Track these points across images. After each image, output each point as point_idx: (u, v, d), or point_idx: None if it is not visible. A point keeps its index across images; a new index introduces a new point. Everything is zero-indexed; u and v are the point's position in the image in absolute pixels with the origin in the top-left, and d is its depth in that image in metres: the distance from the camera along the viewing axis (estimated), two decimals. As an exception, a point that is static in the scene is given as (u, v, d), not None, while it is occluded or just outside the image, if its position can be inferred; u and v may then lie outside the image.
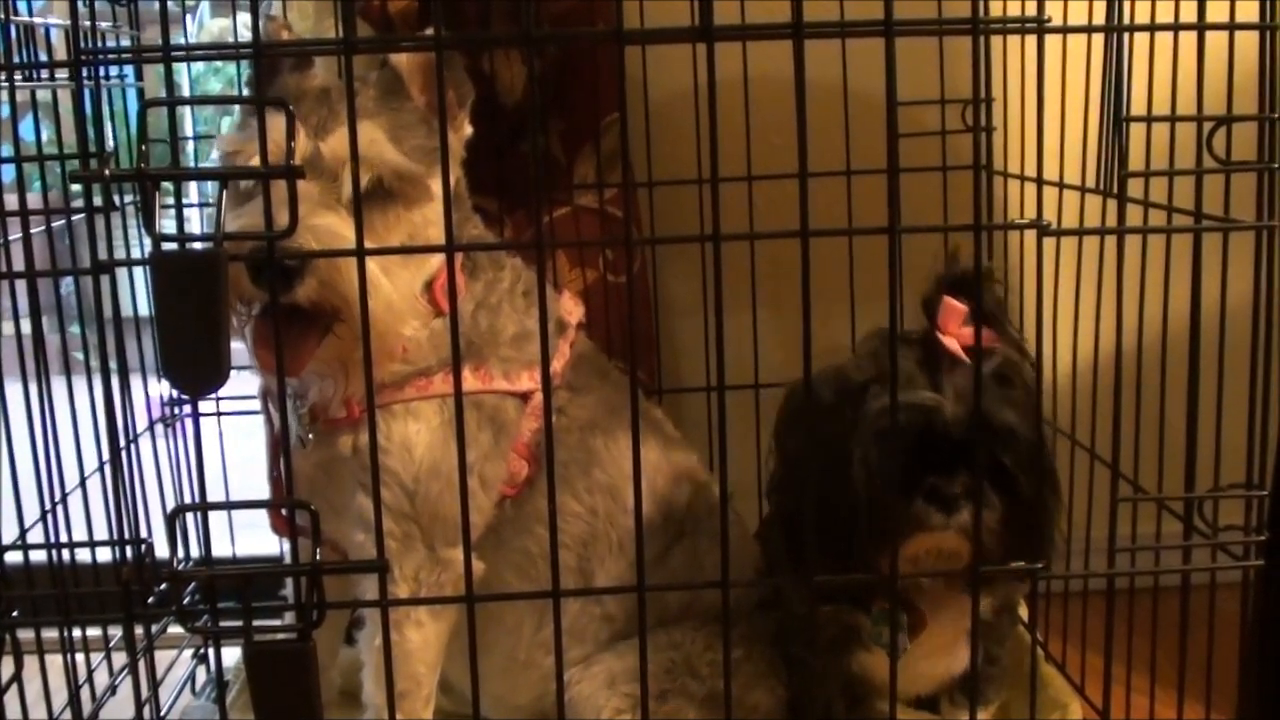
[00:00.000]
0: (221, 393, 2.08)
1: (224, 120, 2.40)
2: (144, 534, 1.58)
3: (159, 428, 2.06)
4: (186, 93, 2.17)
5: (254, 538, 2.19)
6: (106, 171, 1.23)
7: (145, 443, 1.97)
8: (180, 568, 1.23)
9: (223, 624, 1.23)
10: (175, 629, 2.10)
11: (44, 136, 1.66)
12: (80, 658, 1.77)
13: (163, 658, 2.09)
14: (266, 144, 1.19)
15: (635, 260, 2.13)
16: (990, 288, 1.46)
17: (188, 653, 2.13)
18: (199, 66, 4.25)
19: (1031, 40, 1.74)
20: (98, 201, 1.45)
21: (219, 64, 4.16)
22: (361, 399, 1.45)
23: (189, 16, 2.90)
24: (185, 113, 2.30)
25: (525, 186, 2.04)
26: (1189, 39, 1.39)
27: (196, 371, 1.14)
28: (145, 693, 1.55)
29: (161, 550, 1.48)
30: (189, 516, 1.69)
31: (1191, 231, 1.39)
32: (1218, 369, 1.43)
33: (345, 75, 1.19)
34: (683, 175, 2.13)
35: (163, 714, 1.97)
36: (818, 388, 1.45)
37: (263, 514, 1.57)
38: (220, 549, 2.22)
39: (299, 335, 1.40)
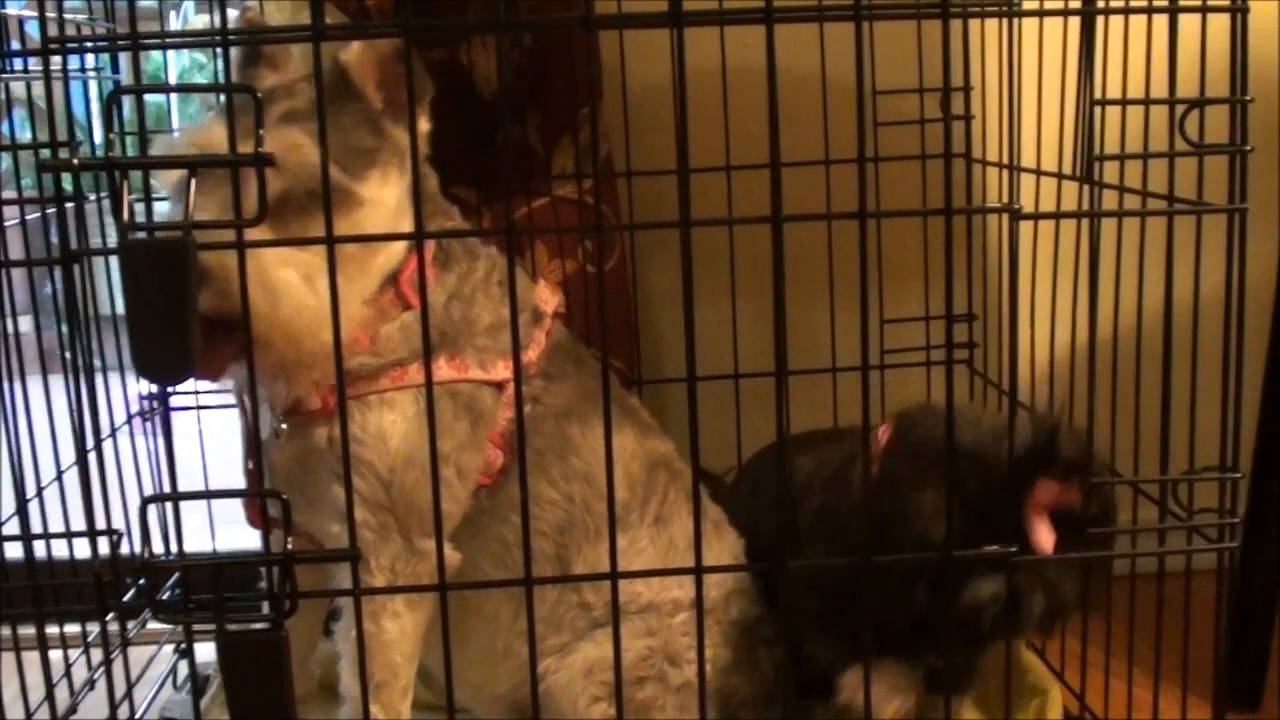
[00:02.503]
0: (201, 387, 2.11)
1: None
2: (121, 528, 1.57)
3: (138, 423, 2.06)
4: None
5: (236, 534, 2.18)
6: (75, 160, 1.22)
7: (125, 438, 1.98)
8: (150, 558, 1.23)
9: (196, 615, 1.23)
10: (155, 625, 2.10)
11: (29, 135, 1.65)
12: (59, 654, 1.77)
13: (144, 653, 2.09)
14: (235, 131, 1.18)
15: (614, 251, 2.13)
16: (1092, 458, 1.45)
17: (168, 648, 2.12)
18: (184, 63, 4.25)
19: (1008, 26, 1.76)
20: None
21: (204, 62, 4.16)
22: (334, 389, 1.45)
23: (174, 13, 2.90)
24: (171, 108, 2.29)
25: (507, 175, 2.04)
26: (1163, 22, 1.39)
27: (165, 361, 1.14)
28: (121, 686, 1.55)
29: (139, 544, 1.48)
30: (165, 508, 1.70)
31: (1164, 215, 1.38)
32: (1192, 352, 1.43)
33: (315, 64, 1.19)
34: (662, 165, 2.13)
35: (144, 709, 1.97)
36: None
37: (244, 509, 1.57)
38: (201, 545, 2.21)
39: (219, 341, 1.37)
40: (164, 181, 1.51)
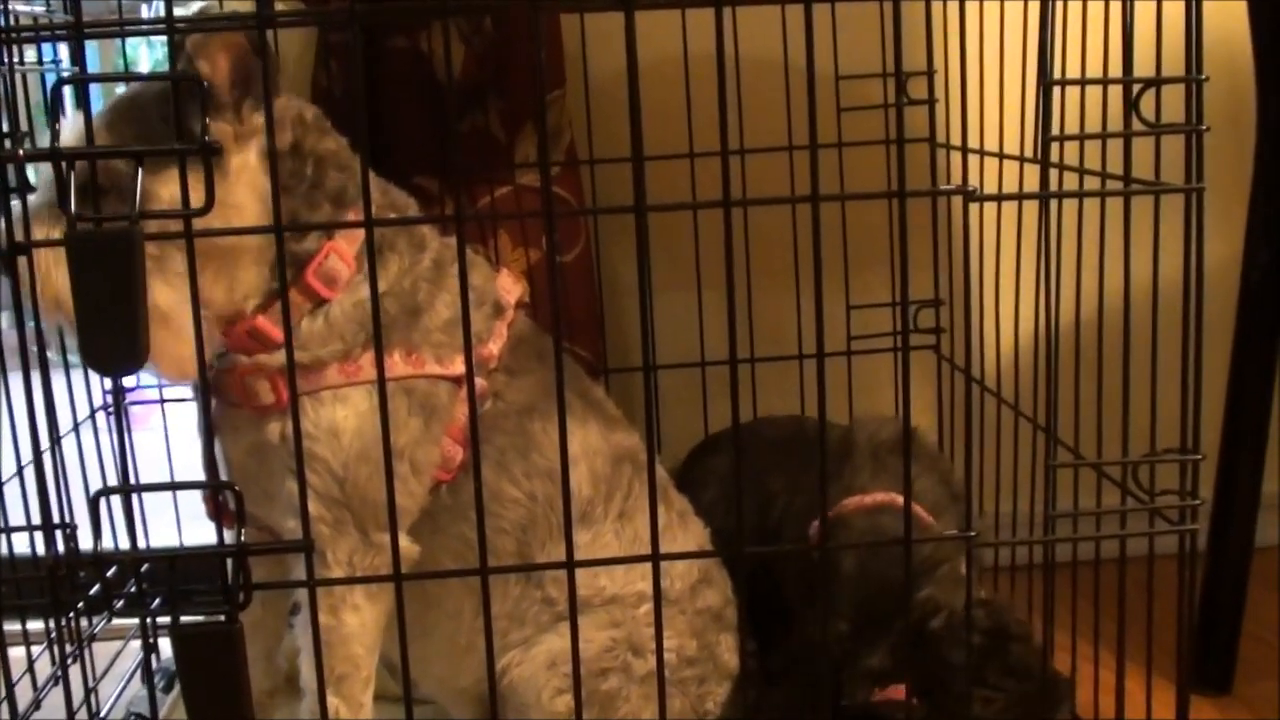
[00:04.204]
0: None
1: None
2: (80, 523, 1.56)
3: (101, 418, 2.05)
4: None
5: (204, 529, 2.17)
6: (21, 151, 1.21)
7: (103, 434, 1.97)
8: (103, 552, 1.22)
9: (152, 607, 1.22)
10: (121, 620, 2.09)
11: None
12: (23, 651, 1.76)
13: (112, 648, 2.08)
14: (182, 121, 1.18)
15: (579, 240, 2.12)
16: None
17: (136, 643, 2.11)
18: (158, 56, 4.22)
19: (971, 10, 1.75)
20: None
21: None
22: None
23: (145, 5, 2.87)
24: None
25: (466, 165, 2.02)
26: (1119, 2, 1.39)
27: (114, 352, 1.14)
28: (85, 681, 1.54)
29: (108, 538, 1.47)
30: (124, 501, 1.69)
31: (1120, 195, 1.38)
32: (1152, 335, 1.42)
33: (261, 51, 1.18)
34: (626, 153, 2.12)
35: (111, 704, 1.96)
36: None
37: (211, 506, 1.57)
38: (169, 541, 2.20)
39: None
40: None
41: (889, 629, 1.50)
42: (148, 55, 4.35)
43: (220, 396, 1.53)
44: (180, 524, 2.17)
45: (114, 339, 1.13)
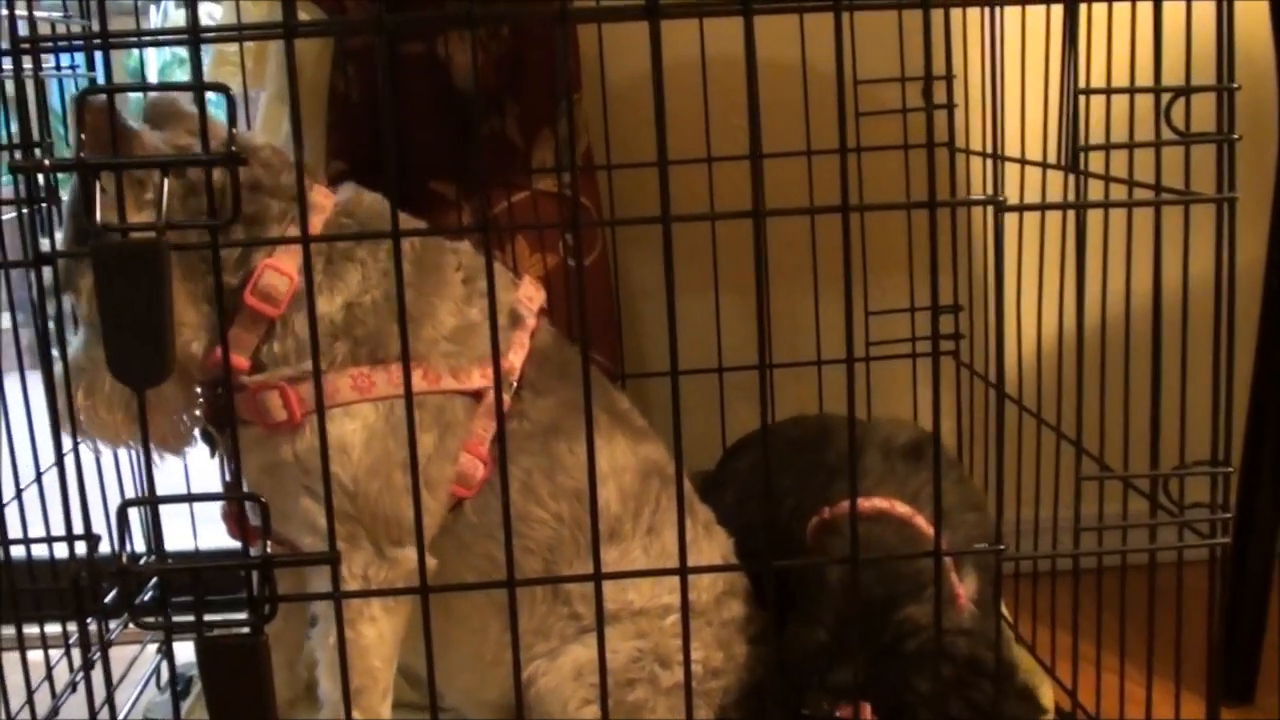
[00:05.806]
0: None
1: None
2: (101, 531, 1.56)
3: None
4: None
5: (218, 532, 2.16)
6: (47, 161, 1.21)
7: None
8: (127, 563, 1.22)
9: (175, 619, 1.21)
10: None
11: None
12: (41, 655, 1.76)
13: (129, 652, 2.08)
14: (206, 131, 1.17)
15: (595, 245, 2.11)
16: None
17: (151, 648, 2.11)
18: (165, 57, 4.21)
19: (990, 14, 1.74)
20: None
21: (185, 56, 4.11)
22: (304, 399, 1.45)
23: (154, 7, 2.87)
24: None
25: (483, 170, 2.02)
26: (1148, 9, 1.38)
27: (141, 362, 1.13)
28: (102, 688, 1.53)
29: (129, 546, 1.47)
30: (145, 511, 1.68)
31: (1151, 205, 1.37)
32: (1181, 345, 1.41)
33: (288, 62, 1.17)
34: (643, 158, 2.12)
35: (128, 709, 1.96)
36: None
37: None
38: (184, 543, 2.20)
39: None
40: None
41: (868, 644, 1.48)
42: (155, 58, 4.35)
43: None
44: (195, 528, 2.17)
45: (141, 349, 1.12)
